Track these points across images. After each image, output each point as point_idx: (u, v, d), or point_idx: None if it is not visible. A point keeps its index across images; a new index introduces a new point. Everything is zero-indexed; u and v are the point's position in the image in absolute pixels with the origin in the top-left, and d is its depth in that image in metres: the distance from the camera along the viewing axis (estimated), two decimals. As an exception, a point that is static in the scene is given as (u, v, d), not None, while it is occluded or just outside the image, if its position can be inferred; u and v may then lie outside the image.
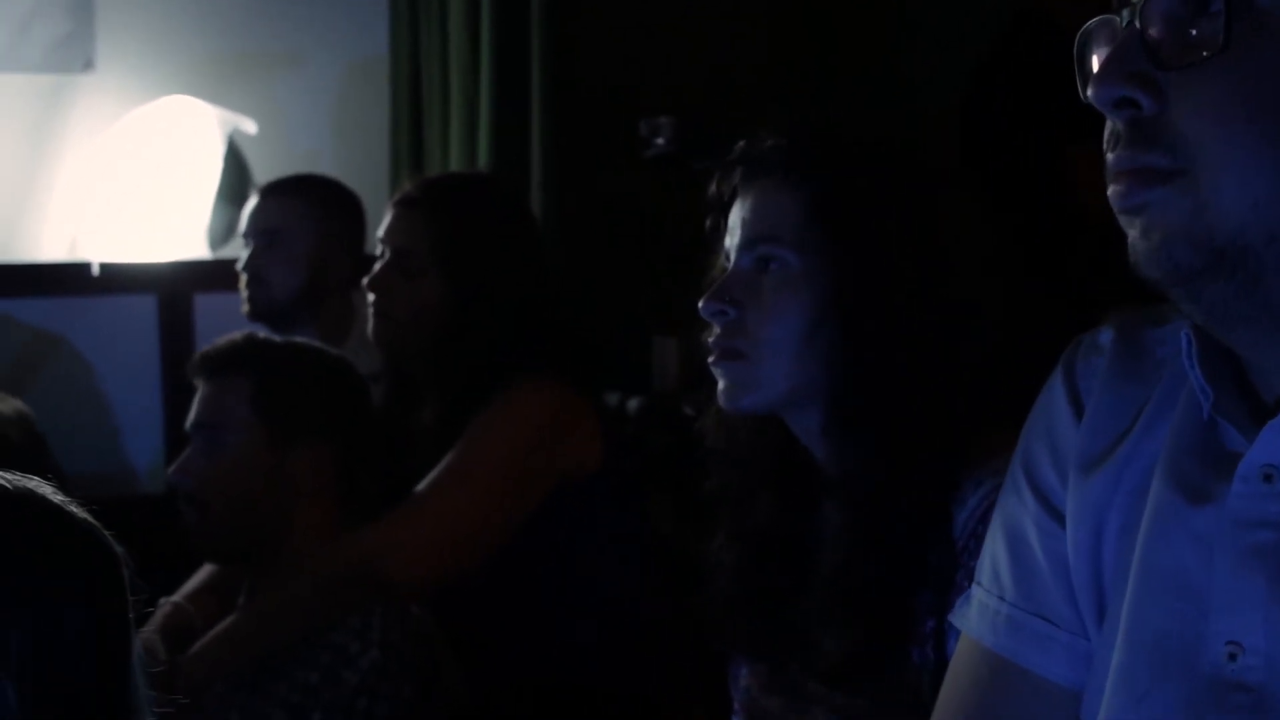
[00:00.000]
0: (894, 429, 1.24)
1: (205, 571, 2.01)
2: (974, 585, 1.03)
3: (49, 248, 3.21)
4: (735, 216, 1.31)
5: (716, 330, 1.30)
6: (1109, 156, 0.84)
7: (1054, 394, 1.00)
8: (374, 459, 1.91)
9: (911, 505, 1.22)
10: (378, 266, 2.10)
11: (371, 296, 2.10)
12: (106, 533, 0.99)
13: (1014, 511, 1.00)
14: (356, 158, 3.29)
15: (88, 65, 3.26)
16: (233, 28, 3.37)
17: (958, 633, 1.16)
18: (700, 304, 1.30)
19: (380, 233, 2.12)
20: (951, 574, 1.20)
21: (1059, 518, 0.97)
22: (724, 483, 1.37)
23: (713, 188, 1.34)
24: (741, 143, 1.33)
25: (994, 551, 1.02)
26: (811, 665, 1.29)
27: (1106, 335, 0.99)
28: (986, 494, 1.19)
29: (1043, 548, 0.98)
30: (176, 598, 1.95)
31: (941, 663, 1.18)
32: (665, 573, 2.17)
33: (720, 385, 1.30)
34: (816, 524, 1.31)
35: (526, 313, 2.06)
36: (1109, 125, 0.85)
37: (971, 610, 1.02)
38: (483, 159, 2.84)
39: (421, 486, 1.95)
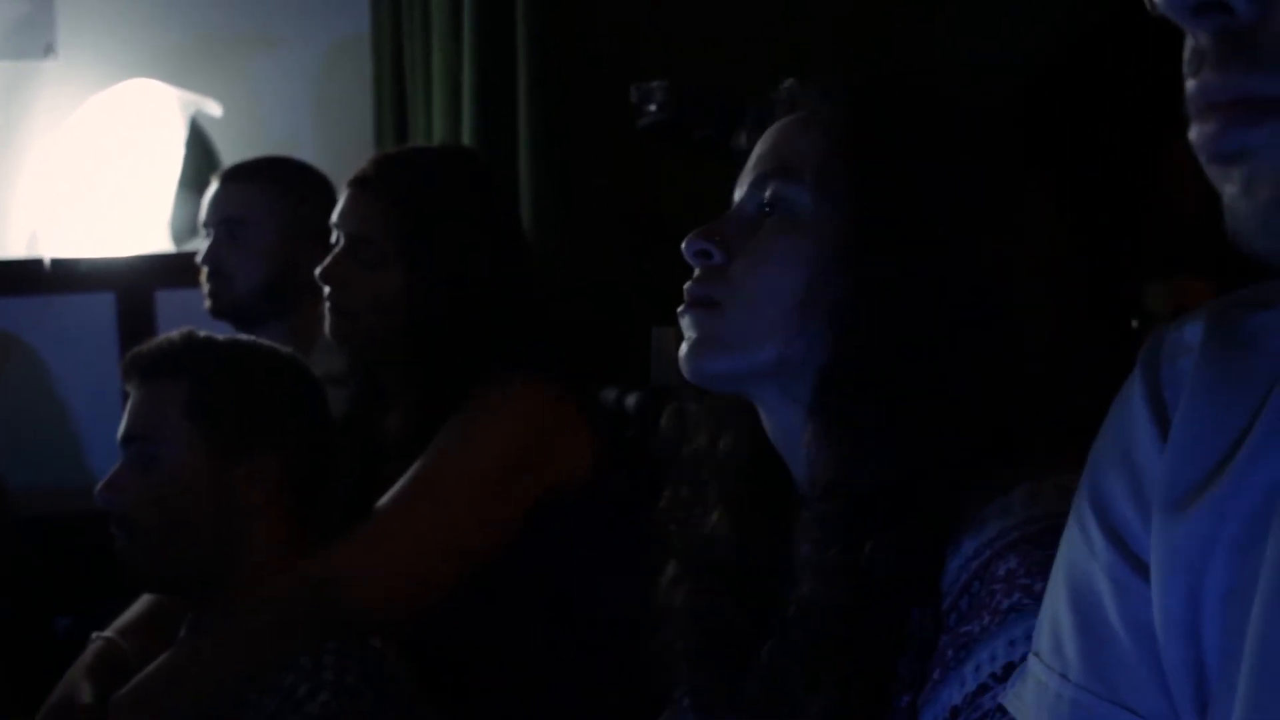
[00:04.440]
0: (896, 426, 0.97)
1: (143, 602, 1.79)
2: (1030, 656, 0.79)
3: (9, 243, 3.05)
4: (751, 157, 1.09)
5: (694, 277, 1.05)
6: (1189, 85, 0.60)
7: (1131, 406, 0.76)
8: (331, 472, 1.70)
9: (905, 536, 0.94)
10: (331, 256, 1.87)
11: (326, 289, 1.87)
12: None
13: (1080, 561, 0.76)
14: (338, 142, 3.14)
15: (48, 50, 3.11)
16: (203, 9, 3.22)
17: (933, 713, 0.90)
18: (684, 242, 1.05)
19: (334, 218, 1.90)
20: (934, 638, 0.92)
21: (1142, 570, 0.72)
22: (677, 499, 1.12)
23: (740, 137, 1.12)
24: (786, 84, 1.11)
25: (1055, 613, 0.77)
26: None
27: (1195, 329, 0.74)
28: (989, 541, 0.91)
29: (1120, 612, 0.73)
30: (109, 632, 1.73)
31: None
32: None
33: (684, 343, 1.05)
34: (790, 555, 1.04)
35: (504, 302, 1.83)
36: (1189, 43, 0.60)
37: (1026, 690, 0.78)
38: (468, 138, 2.65)
39: (383, 501, 1.72)
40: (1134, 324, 2.39)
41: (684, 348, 1.04)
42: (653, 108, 2.26)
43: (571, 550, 1.82)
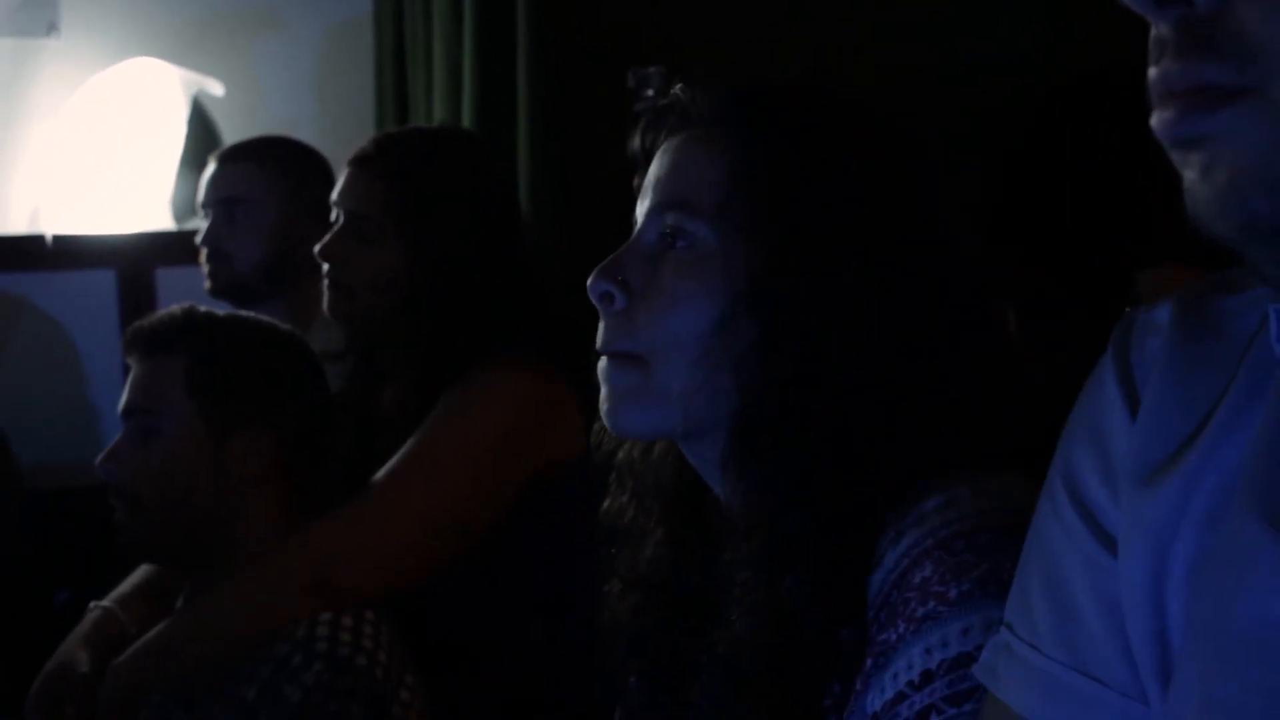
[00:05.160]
0: (811, 473, 0.95)
1: (141, 573, 1.81)
2: (1002, 628, 0.81)
3: (12, 219, 3.06)
4: (650, 175, 1.04)
5: (602, 323, 1.02)
6: (1151, 73, 0.62)
7: (1102, 384, 0.78)
8: (326, 446, 1.72)
9: (825, 570, 0.93)
10: (330, 233, 1.89)
11: (326, 266, 1.89)
12: None
13: (1051, 535, 0.78)
14: (339, 123, 3.15)
15: (51, 28, 3.11)
16: (207, -12, 3.21)
17: None
18: (588, 281, 1.02)
19: (334, 195, 1.92)
20: (861, 657, 0.92)
21: (1110, 544, 0.75)
22: (618, 507, 1.11)
23: (635, 140, 1.08)
24: (676, 88, 1.05)
25: (1025, 586, 0.80)
26: None
27: (1165, 311, 0.77)
28: (906, 551, 0.91)
29: (1088, 584, 0.76)
30: (107, 602, 1.76)
31: None
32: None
33: (603, 397, 1.02)
34: (723, 577, 1.03)
35: (501, 282, 1.85)
36: (1152, 33, 0.63)
37: (998, 661, 0.80)
38: (468, 123, 2.67)
39: (380, 475, 1.74)
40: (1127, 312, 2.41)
41: (603, 402, 1.02)
42: (650, 93, 2.28)
43: (563, 530, 1.84)
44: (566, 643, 1.83)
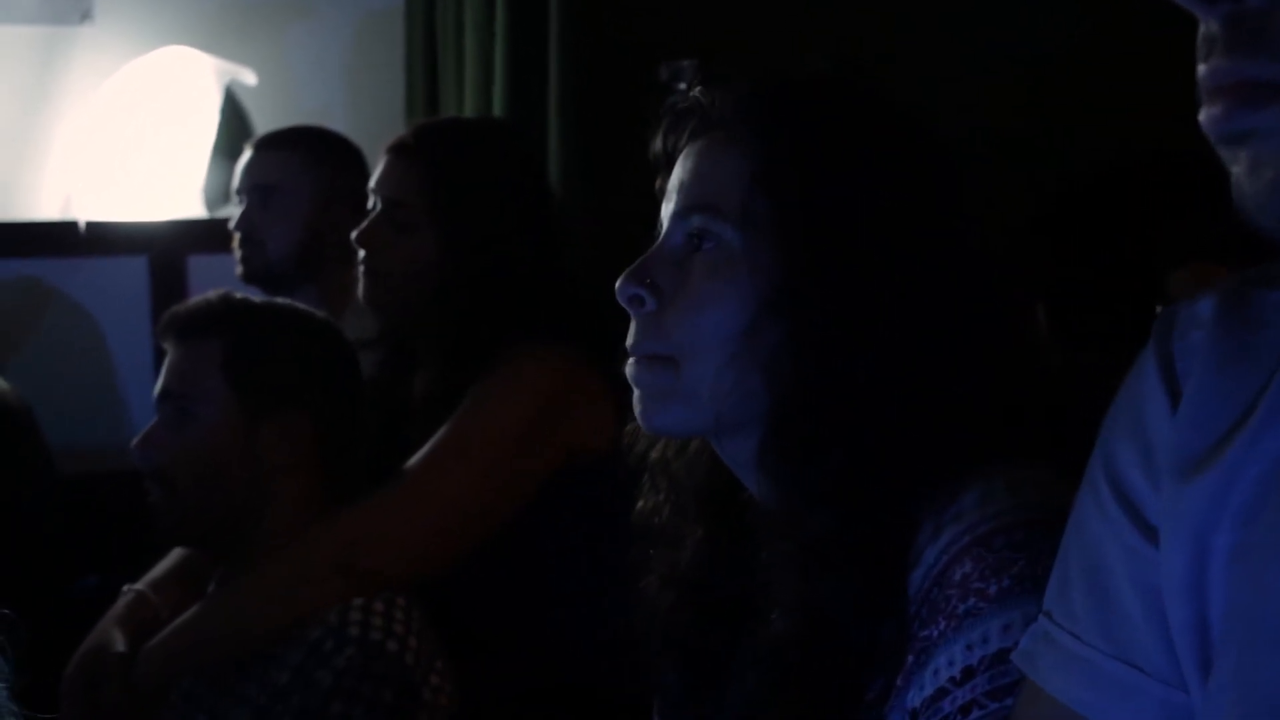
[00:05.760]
0: (841, 466, 0.95)
1: (174, 557, 1.83)
2: (1040, 616, 0.82)
3: (44, 206, 3.07)
4: (674, 178, 1.05)
5: (633, 325, 1.03)
6: (1200, 69, 0.63)
7: (1144, 377, 0.79)
8: (358, 432, 1.73)
9: (862, 570, 0.94)
10: (368, 219, 1.91)
11: (362, 252, 1.91)
12: None
13: (1091, 525, 0.79)
14: (369, 113, 3.16)
15: (85, 16, 3.12)
16: (240, -23, 3.22)
17: (895, 718, 0.92)
18: (617, 285, 1.03)
19: (371, 183, 1.93)
20: (902, 653, 0.92)
21: (1151, 534, 0.76)
22: (653, 506, 1.12)
23: (656, 143, 1.09)
24: (697, 88, 1.06)
25: (1066, 574, 0.80)
26: None
27: (1207, 304, 0.78)
28: (945, 547, 0.91)
29: (1129, 574, 0.76)
30: (140, 585, 1.77)
31: None
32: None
33: (635, 397, 1.03)
34: (760, 574, 1.04)
35: (532, 272, 1.86)
36: (1201, 30, 0.63)
37: (1037, 647, 0.81)
38: (498, 111, 2.68)
39: (411, 463, 1.76)
40: (1158, 309, 2.40)
41: (636, 403, 1.04)
42: (683, 86, 2.28)
43: (585, 519, 1.85)
44: (587, 632, 1.84)
